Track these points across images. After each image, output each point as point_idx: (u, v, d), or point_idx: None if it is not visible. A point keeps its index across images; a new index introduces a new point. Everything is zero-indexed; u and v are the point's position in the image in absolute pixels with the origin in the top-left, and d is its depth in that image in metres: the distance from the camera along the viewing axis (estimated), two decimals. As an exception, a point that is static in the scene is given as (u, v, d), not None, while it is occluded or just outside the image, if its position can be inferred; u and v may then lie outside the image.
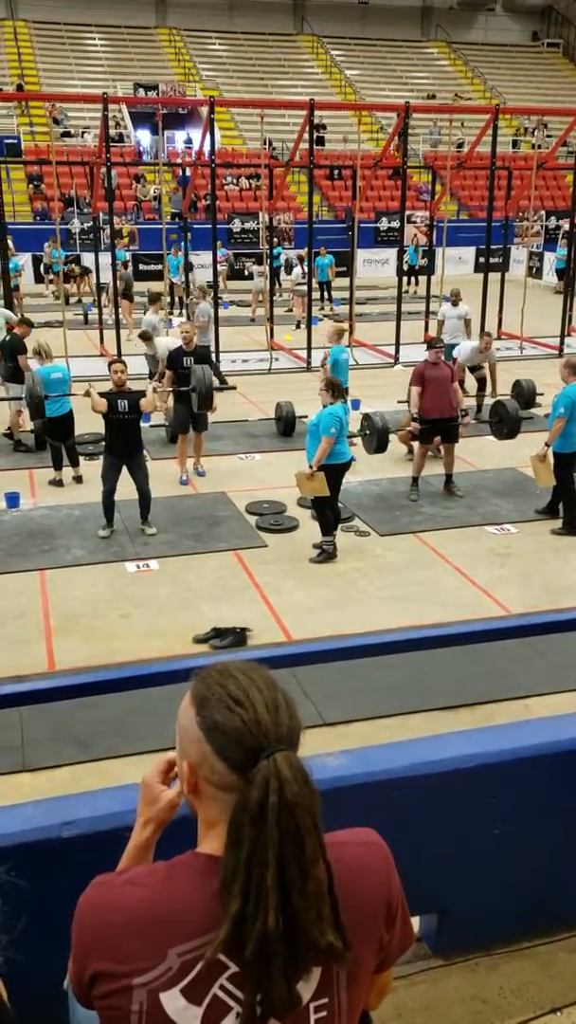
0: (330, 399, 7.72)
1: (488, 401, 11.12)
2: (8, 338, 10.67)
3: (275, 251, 20.48)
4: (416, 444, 9.37)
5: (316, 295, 21.23)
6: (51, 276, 21.88)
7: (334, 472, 7.74)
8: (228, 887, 1.12)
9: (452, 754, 2.45)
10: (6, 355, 10.54)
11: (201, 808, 1.25)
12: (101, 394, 8.12)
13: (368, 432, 8.84)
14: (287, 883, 1.11)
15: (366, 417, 9.02)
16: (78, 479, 9.63)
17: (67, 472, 9.67)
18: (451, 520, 8.72)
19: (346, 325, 11.14)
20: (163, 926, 1.17)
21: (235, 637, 6.31)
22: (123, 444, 8.06)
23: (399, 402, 10.42)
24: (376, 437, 8.72)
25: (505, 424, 9.20)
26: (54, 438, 9.59)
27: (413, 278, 22.45)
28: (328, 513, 7.83)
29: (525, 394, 12.12)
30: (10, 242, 16.99)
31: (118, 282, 16.52)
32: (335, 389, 7.78)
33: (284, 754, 1.15)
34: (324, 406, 7.82)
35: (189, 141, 29.01)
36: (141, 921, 1.18)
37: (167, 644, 6.29)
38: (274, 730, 1.17)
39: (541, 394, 12.00)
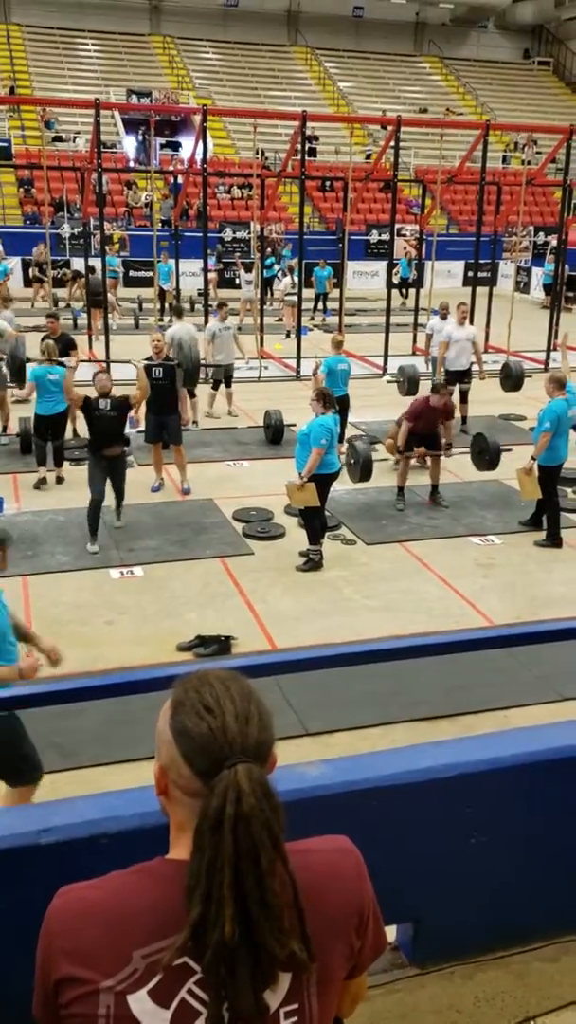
0: (321, 409, 7.75)
1: (476, 402, 11.20)
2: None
3: (267, 261, 20.53)
4: (400, 455, 9.42)
5: (310, 305, 21.37)
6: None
7: (322, 482, 7.78)
8: (191, 893, 1.14)
9: (430, 764, 2.47)
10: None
11: (171, 811, 1.26)
12: (85, 400, 8.09)
13: (353, 461, 8.88)
14: (244, 893, 1.12)
15: (351, 445, 9.05)
16: (60, 479, 9.67)
17: (50, 476, 9.70)
18: (436, 530, 8.76)
19: (340, 336, 11.22)
20: (125, 928, 1.18)
21: (219, 645, 6.32)
22: (106, 445, 8.05)
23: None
24: (360, 466, 8.76)
25: (485, 455, 9.29)
26: (43, 436, 9.64)
27: (405, 290, 22.55)
28: (315, 522, 7.85)
29: (513, 376, 12.28)
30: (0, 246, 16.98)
31: (88, 287, 16.52)
32: (326, 400, 7.81)
33: (246, 766, 1.16)
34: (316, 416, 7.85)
35: (177, 147, 29.10)
36: (103, 924, 1.19)
37: (151, 652, 6.28)
38: (240, 741, 1.18)
39: (530, 376, 12.16)
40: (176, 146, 29.33)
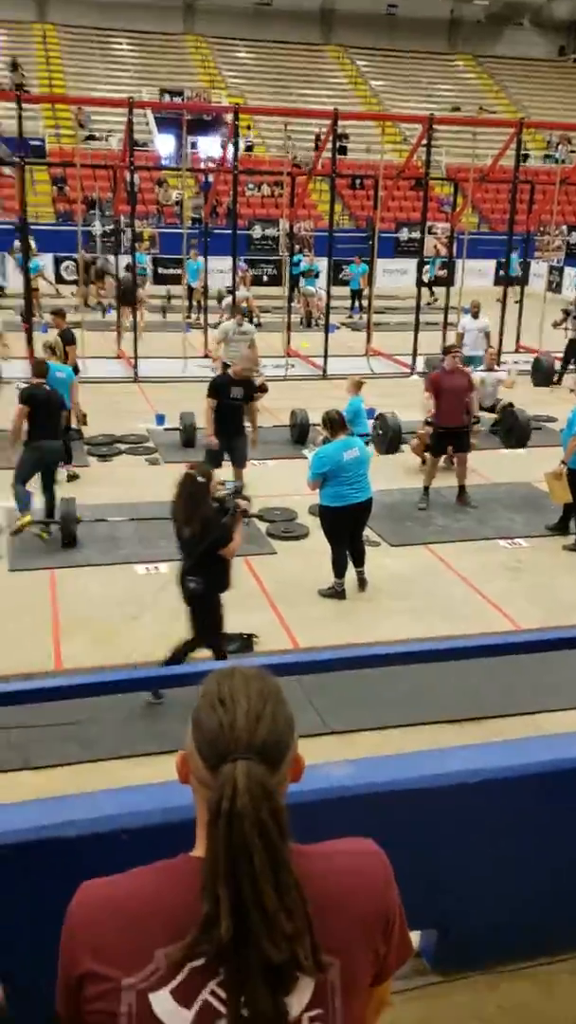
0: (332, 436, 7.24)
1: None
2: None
3: (295, 259, 20.52)
4: (428, 455, 9.35)
5: (347, 304, 21.46)
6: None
7: (342, 515, 7.18)
8: (204, 891, 1.13)
9: (457, 768, 2.43)
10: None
11: (197, 800, 1.25)
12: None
13: (381, 432, 8.83)
14: (240, 893, 1.11)
15: (379, 417, 8.95)
16: (71, 477, 9.44)
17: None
18: (463, 532, 8.67)
19: (359, 378, 10.56)
20: (148, 927, 1.17)
21: (241, 643, 6.30)
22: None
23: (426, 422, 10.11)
24: (388, 438, 8.72)
25: (514, 434, 9.21)
26: None
27: (432, 288, 22.45)
28: (334, 554, 7.29)
29: (543, 370, 12.21)
30: (32, 243, 17.08)
31: (120, 286, 16.60)
32: (334, 425, 7.26)
33: (247, 763, 1.14)
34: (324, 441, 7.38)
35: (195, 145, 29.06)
36: (126, 920, 1.18)
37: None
38: (247, 738, 1.17)
39: (560, 372, 12.09)
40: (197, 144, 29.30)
